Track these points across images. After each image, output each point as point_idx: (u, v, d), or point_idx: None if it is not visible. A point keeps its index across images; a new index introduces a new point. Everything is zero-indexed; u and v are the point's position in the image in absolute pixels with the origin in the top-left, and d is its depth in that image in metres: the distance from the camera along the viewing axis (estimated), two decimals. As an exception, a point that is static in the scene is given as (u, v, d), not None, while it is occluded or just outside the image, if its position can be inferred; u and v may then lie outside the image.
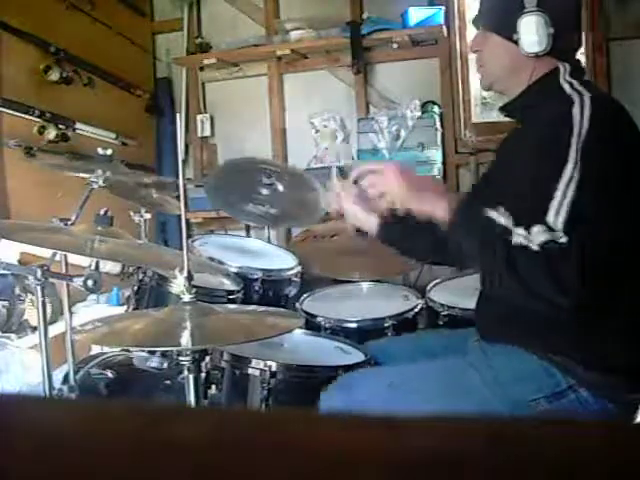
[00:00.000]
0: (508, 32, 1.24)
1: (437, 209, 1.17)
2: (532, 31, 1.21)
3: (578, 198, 1.03)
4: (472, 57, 3.14)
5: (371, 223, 1.39)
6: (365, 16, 3.19)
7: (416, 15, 3.04)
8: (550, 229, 1.03)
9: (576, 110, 1.10)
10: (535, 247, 1.03)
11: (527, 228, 1.05)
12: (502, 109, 1.36)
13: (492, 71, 1.32)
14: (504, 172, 1.29)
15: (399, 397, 1.20)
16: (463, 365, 1.23)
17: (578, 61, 1.29)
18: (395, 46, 3.20)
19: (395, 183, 1.23)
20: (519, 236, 1.05)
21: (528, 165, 1.15)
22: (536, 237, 1.03)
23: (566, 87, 1.19)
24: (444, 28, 3.06)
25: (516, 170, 1.20)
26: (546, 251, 1.02)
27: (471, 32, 3.20)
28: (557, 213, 1.04)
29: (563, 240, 1.02)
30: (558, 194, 1.05)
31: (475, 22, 1.37)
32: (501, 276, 1.08)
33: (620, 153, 1.10)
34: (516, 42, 1.24)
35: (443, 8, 3.07)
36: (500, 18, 1.27)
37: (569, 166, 1.06)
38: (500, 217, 1.08)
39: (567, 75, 1.22)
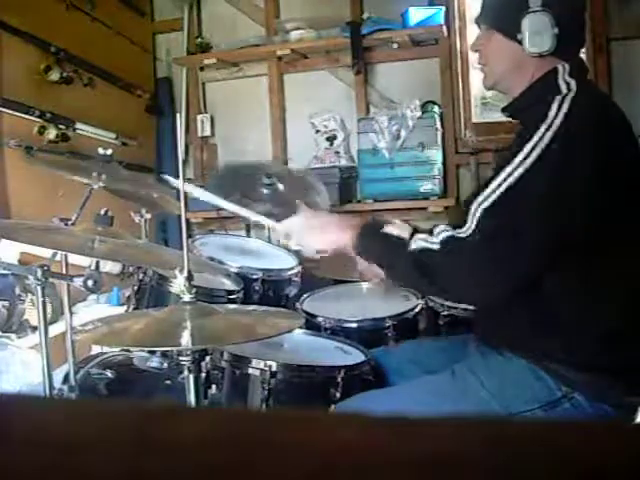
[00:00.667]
0: (512, 31, 1.23)
1: (340, 243, 1.21)
2: (536, 31, 1.21)
3: (511, 192, 1.05)
4: (472, 57, 3.15)
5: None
6: (365, 16, 3.19)
7: (416, 15, 3.04)
8: (457, 225, 1.06)
9: (553, 109, 1.10)
10: (435, 246, 1.06)
11: (430, 232, 1.09)
12: (504, 110, 1.35)
13: (495, 70, 1.31)
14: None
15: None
16: (464, 371, 1.23)
17: (581, 60, 1.28)
18: (395, 46, 3.20)
19: (296, 225, 1.29)
20: (419, 241, 1.08)
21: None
22: (437, 236, 1.07)
23: (563, 87, 1.19)
24: (444, 28, 3.06)
25: None
26: (446, 247, 1.06)
27: (471, 32, 3.21)
28: (480, 203, 1.06)
29: (467, 233, 1.05)
30: (492, 185, 1.07)
31: (477, 20, 1.36)
32: (416, 283, 1.12)
33: (591, 156, 1.09)
34: (520, 41, 1.23)
35: (443, 8, 3.07)
36: (504, 17, 1.27)
37: (516, 159, 1.07)
38: (399, 230, 1.12)
39: (566, 75, 1.21)
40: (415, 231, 1.13)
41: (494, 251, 1.04)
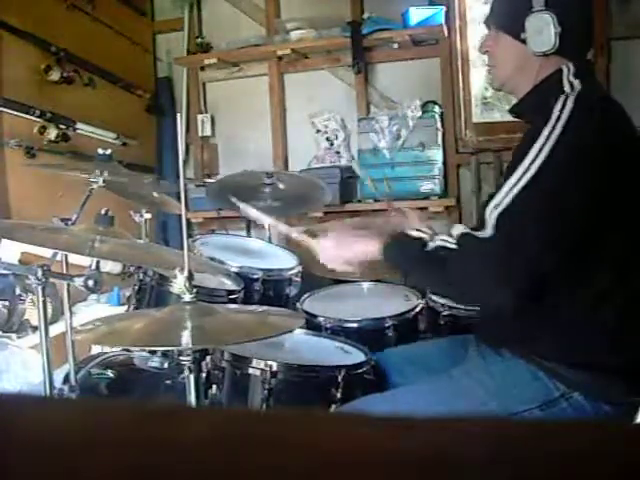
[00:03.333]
0: (517, 31, 1.24)
1: (368, 252, 1.24)
2: (539, 30, 1.21)
3: (525, 193, 1.06)
4: (473, 57, 3.15)
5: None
6: (366, 16, 3.19)
7: (417, 15, 3.04)
8: (476, 227, 1.09)
9: (557, 108, 1.11)
10: (452, 245, 1.09)
11: (449, 233, 1.11)
12: (511, 111, 1.36)
13: (503, 71, 1.32)
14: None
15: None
16: (462, 373, 1.23)
17: (588, 61, 1.29)
18: (396, 46, 3.20)
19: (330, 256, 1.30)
20: (438, 240, 1.11)
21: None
22: (455, 234, 1.09)
23: (567, 88, 1.19)
24: (445, 28, 3.06)
25: None
26: (463, 245, 1.08)
27: (472, 32, 3.21)
28: (494, 207, 1.08)
29: (486, 235, 1.06)
30: (504, 188, 1.08)
31: (486, 22, 1.37)
32: (433, 281, 1.16)
33: (596, 155, 1.09)
34: (524, 41, 1.24)
35: (444, 8, 3.07)
36: (509, 17, 1.28)
37: (526, 161, 1.08)
38: (418, 232, 1.15)
39: (571, 75, 1.21)
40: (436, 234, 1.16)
41: (509, 252, 1.04)
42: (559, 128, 1.08)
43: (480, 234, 1.08)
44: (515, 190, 1.07)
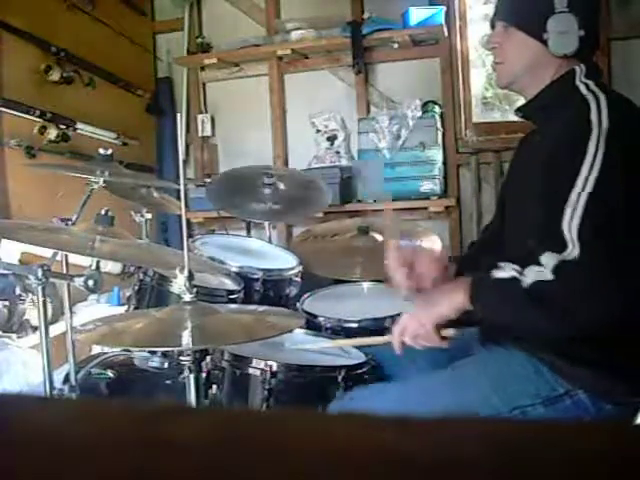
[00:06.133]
0: (537, 31, 1.23)
1: (454, 305, 1.16)
2: (563, 32, 1.21)
3: (592, 202, 1.03)
4: (473, 57, 3.15)
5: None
6: (366, 16, 3.19)
7: (417, 15, 3.04)
8: (560, 249, 1.03)
9: (593, 114, 1.10)
10: (550, 276, 1.02)
11: (537, 262, 1.04)
12: (518, 110, 1.35)
13: (513, 68, 1.30)
14: (520, 185, 1.29)
15: (408, 409, 1.19)
16: (466, 365, 1.24)
17: (595, 63, 1.29)
18: (396, 46, 3.20)
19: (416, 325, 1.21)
20: (531, 273, 1.04)
21: (542, 176, 1.15)
22: (547, 265, 1.03)
23: (582, 88, 1.19)
24: (444, 28, 3.06)
25: (532, 181, 1.20)
26: (560, 273, 1.01)
27: (472, 32, 3.21)
28: (570, 221, 1.03)
29: (575, 254, 1.01)
30: (572, 200, 1.05)
31: (493, 19, 1.36)
32: (538, 322, 1.07)
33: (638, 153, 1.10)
34: (544, 41, 1.23)
35: (444, 8, 3.07)
36: (528, 16, 1.26)
37: (583, 170, 1.05)
38: (506, 272, 1.08)
39: (583, 76, 1.22)
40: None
41: (609, 261, 1.01)
42: (604, 132, 1.07)
43: (569, 256, 1.02)
44: (583, 199, 1.04)
